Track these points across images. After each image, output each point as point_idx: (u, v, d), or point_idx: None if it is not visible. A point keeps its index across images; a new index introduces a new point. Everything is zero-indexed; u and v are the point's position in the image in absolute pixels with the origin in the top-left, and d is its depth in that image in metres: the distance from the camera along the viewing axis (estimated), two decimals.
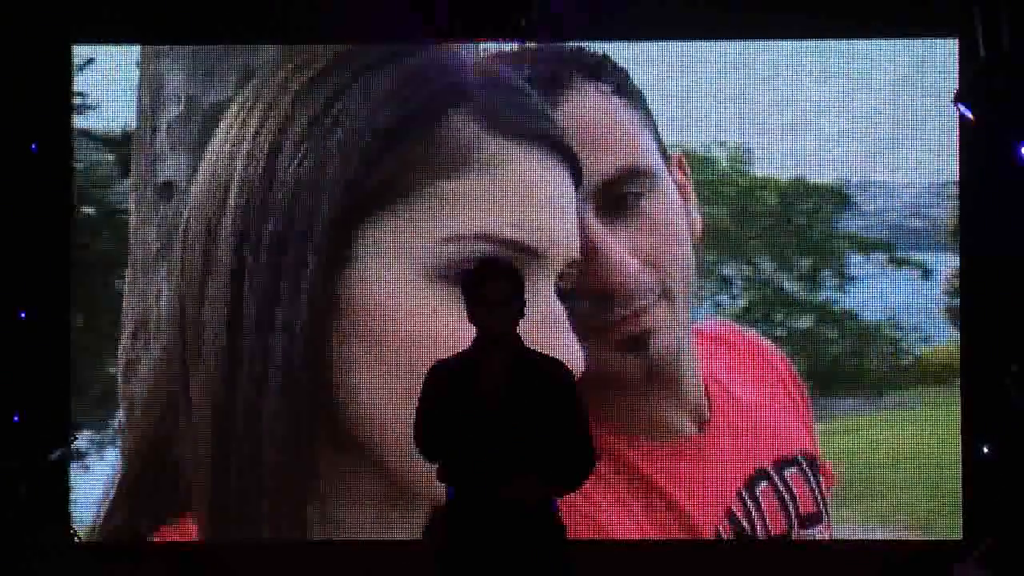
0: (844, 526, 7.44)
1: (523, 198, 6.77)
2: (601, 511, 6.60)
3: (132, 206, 7.42)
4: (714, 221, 6.87)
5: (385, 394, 6.81)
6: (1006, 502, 7.54)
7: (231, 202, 6.83)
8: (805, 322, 7.04)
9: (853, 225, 7.18)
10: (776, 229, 7.02)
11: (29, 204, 7.72)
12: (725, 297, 6.92)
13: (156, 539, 7.46)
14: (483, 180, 6.73)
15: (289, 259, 6.71)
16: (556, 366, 5.09)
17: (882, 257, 7.13)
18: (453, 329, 6.17)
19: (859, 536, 7.47)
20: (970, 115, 6.70)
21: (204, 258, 6.90)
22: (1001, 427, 7.64)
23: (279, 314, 6.69)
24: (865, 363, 7.12)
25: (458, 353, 5.02)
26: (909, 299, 7.05)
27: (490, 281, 4.95)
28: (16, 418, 7.67)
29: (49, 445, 7.57)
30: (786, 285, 6.99)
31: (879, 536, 7.53)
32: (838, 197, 7.18)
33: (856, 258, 7.15)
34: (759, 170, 6.92)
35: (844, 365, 7.14)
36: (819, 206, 7.07)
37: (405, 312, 6.75)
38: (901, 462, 7.15)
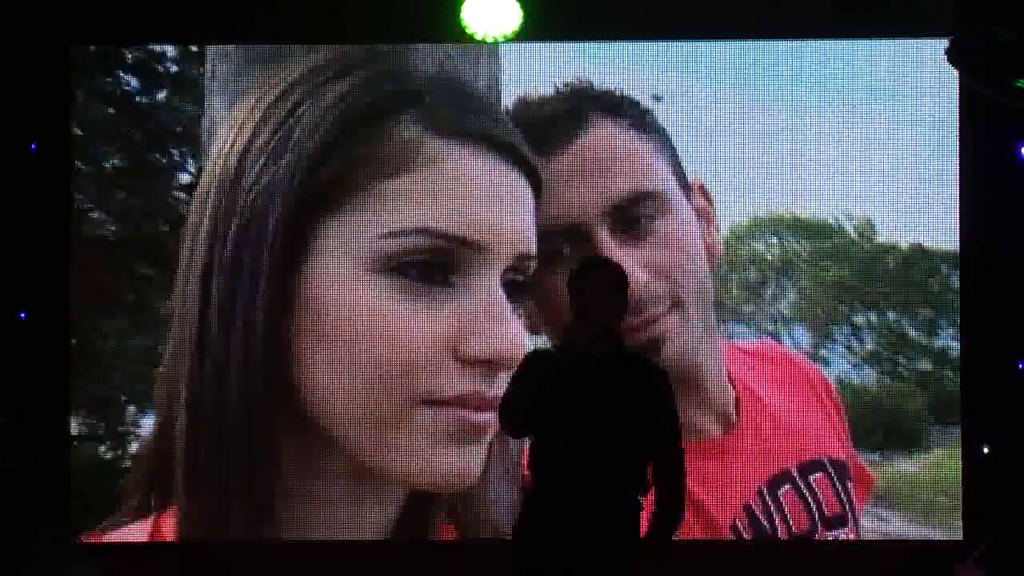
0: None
1: (464, 195, 7.15)
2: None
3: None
4: (844, 278, 7.49)
5: (340, 383, 7.16)
6: (1006, 502, 7.54)
7: (209, 204, 7.15)
8: (925, 364, 7.61)
9: None
10: (900, 284, 7.57)
11: (29, 204, 7.71)
12: (855, 341, 7.51)
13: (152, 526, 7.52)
14: (425, 178, 7.11)
15: (248, 257, 7.01)
16: (657, 371, 5.09)
17: None
18: (394, 319, 6.98)
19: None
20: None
21: (189, 257, 7.19)
22: (1001, 427, 7.65)
23: (239, 310, 6.98)
24: None
25: (556, 347, 5.06)
26: None
27: (592, 270, 5.01)
28: (16, 418, 7.67)
29: (49, 445, 7.58)
30: (909, 332, 7.58)
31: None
32: (952, 260, 7.66)
33: None
34: (882, 237, 7.52)
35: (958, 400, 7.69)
36: (936, 267, 7.62)
37: (353, 305, 7.10)
38: None
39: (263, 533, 7.36)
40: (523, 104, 7.41)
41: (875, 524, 7.54)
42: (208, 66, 7.53)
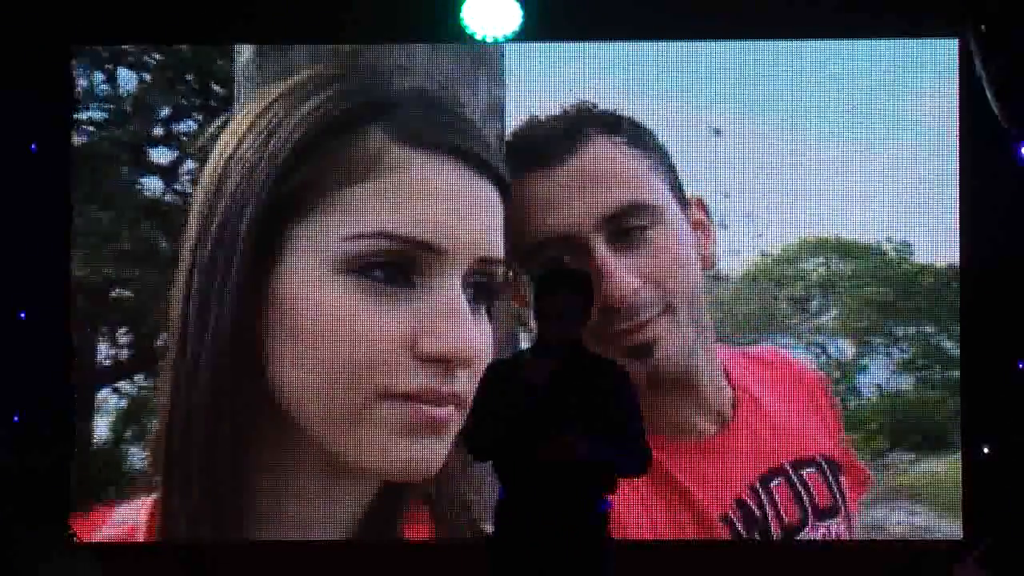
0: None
1: (426, 200, 7.49)
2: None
3: None
4: (882, 295, 7.78)
5: (307, 378, 7.48)
6: (1006, 502, 7.55)
7: (195, 207, 7.55)
8: (956, 373, 7.84)
9: None
10: (938, 299, 7.82)
11: (29, 204, 7.71)
12: (895, 350, 7.82)
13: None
14: (390, 184, 7.47)
15: (221, 258, 7.40)
16: (608, 364, 5.21)
17: None
18: (357, 317, 7.38)
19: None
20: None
21: (177, 257, 7.59)
22: (1001, 427, 7.65)
23: (213, 307, 7.38)
24: None
25: (515, 353, 5.15)
26: None
27: (548, 296, 5.11)
28: (16, 418, 7.67)
29: (49, 445, 7.58)
30: (943, 343, 7.84)
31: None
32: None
33: None
34: (920, 258, 7.80)
35: None
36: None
37: (319, 304, 7.45)
38: None
39: (239, 522, 7.58)
40: (529, 123, 7.70)
41: (909, 518, 7.73)
42: (237, 72, 7.73)
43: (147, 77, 7.84)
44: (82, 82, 7.83)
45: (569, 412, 5.04)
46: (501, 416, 5.04)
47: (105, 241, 7.79)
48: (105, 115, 7.85)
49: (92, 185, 7.79)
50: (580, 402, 5.06)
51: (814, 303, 7.82)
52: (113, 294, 7.83)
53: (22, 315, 7.73)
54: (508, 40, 7.72)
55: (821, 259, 7.80)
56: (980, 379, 7.69)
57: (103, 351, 7.82)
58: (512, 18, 7.71)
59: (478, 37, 7.72)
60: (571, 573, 5.06)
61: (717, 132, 7.72)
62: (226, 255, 7.37)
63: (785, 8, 7.68)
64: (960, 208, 7.70)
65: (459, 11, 7.71)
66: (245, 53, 7.69)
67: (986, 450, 7.65)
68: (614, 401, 5.11)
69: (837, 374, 7.79)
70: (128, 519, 7.65)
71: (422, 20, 7.74)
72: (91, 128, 7.84)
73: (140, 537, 7.61)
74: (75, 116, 7.82)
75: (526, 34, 7.71)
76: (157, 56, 7.85)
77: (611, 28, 7.70)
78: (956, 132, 7.69)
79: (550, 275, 5.39)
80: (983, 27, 7.15)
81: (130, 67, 7.85)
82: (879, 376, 7.80)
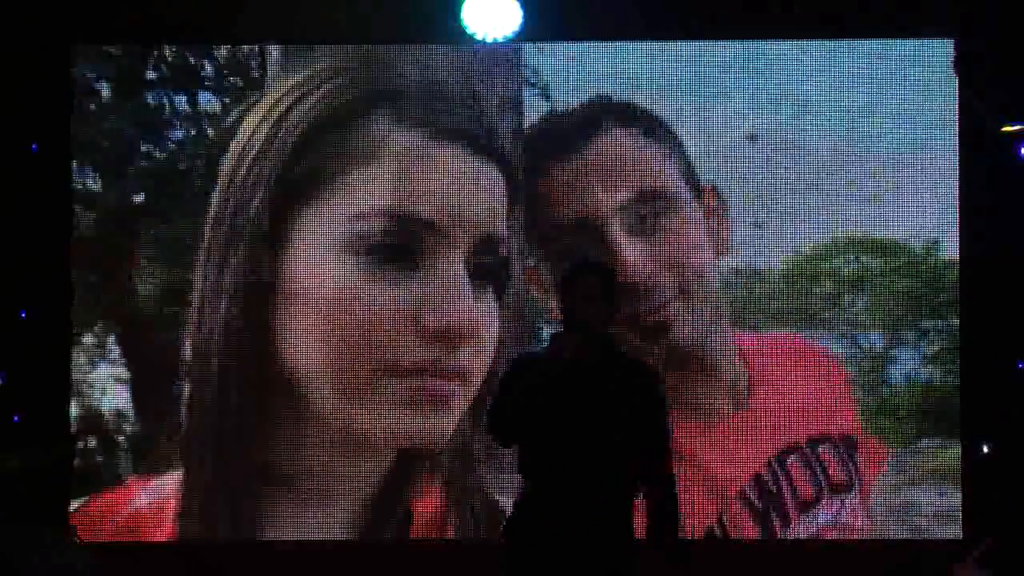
0: None
1: (428, 181, 7.72)
2: None
3: None
4: (912, 290, 7.92)
5: (317, 354, 7.70)
6: (1006, 502, 7.55)
7: (216, 192, 7.80)
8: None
9: None
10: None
11: (29, 204, 7.71)
12: (923, 343, 7.95)
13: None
14: (392, 167, 7.71)
15: (235, 243, 7.73)
16: (648, 371, 5.15)
17: None
18: (361, 295, 7.64)
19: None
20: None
21: (197, 239, 7.83)
22: (1001, 427, 7.66)
23: (227, 284, 7.71)
24: None
25: (543, 348, 5.13)
26: None
27: (580, 275, 5.08)
28: (16, 418, 7.67)
29: (48, 444, 7.58)
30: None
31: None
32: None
33: None
34: (946, 254, 7.91)
35: None
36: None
37: (325, 283, 7.69)
38: None
39: (256, 497, 7.74)
40: (548, 116, 7.89)
41: (940, 499, 7.84)
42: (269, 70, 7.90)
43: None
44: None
45: (606, 413, 4.99)
46: (522, 400, 4.96)
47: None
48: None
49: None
50: (616, 412, 5.00)
51: (845, 297, 7.97)
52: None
53: (22, 315, 7.73)
54: (508, 40, 7.73)
55: (851, 256, 7.96)
56: (980, 378, 7.70)
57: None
58: (512, 18, 7.71)
59: (478, 37, 7.73)
60: (595, 571, 5.00)
61: (752, 138, 7.89)
62: (237, 240, 7.68)
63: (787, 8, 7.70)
64: (960, 208, 7.72)
65: (459, 11, 7.71)
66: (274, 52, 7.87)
67: (986, 450, 7.66)
68: (649, 417, 5.05)
69: (868, 364, 7.93)
70: (159, 493, 7.77)
71: (422, 20, 7.75)
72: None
73: (169, 510, 7.71)
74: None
75: (526, 34, 7.72)
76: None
77: (611, 28, 7.71)
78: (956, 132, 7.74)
79: (580, 263, 5.43)
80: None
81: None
82: (908, 367, 7.94)
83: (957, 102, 7.69)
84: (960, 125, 7.70)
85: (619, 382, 5.04)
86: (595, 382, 5.01)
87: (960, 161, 7.72)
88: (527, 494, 5.07)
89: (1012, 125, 7.21)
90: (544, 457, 5.01)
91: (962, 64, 7.44)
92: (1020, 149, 7.37)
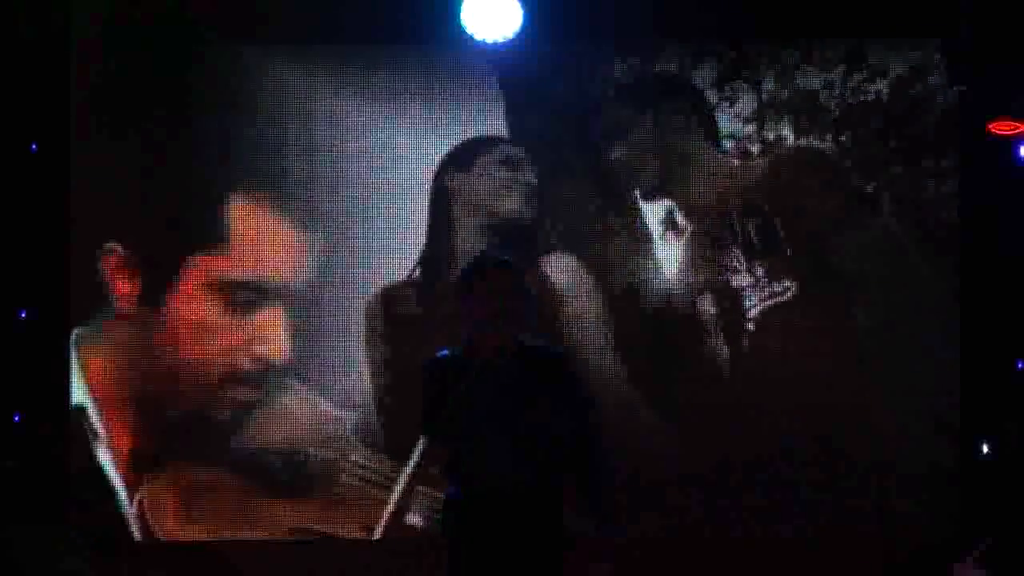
0: None
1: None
2: None
3: None
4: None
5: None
6: (1006, 502, 7.56)
7: None
8: None
9: None
10: None
11: (29, 204, 7.71)
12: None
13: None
14: None
15: None
16: (556, 355, 5.13)
17: None
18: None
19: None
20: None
21: None
22: (1001, 427, 7.67)
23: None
24: None
25: (453, 348, 5.08)
26: None
27: (477, 281, 5.02)
28: (16, 418, 7.67)
29: (48, 444, 7.59)
30: None
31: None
32: None
33: None
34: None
35: None
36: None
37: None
38: None
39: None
40: None
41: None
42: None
43: None
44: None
45: (523, 404, 4.98)
46: (445, 404, 4.95)
47: None
48: None
49: None
50: (531, 404, 4.99)
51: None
52: None
53: (22, 315, 7.73)
54: (508, 41, 7.72)
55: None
56: (980, 379, 7.71)
57: None
58: (512, 18, 7.70)
59: (478, 38, 7.72)
60: (526, 565, 5.00)
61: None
62: None
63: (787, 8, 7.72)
64: (959, 207, 7.73)
65: (459, 12, 7.71)
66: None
67: (985, 449, 7.67)
68: (564, 400, 5.04)
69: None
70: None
71: (422, 21, 7.74)
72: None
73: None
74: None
75: (526, 34, 7.71)
76: None
77: (612, 28, 7.71)
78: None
79: (479, 259, 5.21)
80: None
81: None
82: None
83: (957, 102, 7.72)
84: (960, 126, 7.72)
85: (530, 373, 5.00)
86: (508, 376, 4.99)
87: (960, 161, 7.73)
88: (454, 494, 5.07)
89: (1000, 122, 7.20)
90: (466, 454, 5.02)
91: (951, 62, 7.44)
92: (1020, 149, 7.38)
